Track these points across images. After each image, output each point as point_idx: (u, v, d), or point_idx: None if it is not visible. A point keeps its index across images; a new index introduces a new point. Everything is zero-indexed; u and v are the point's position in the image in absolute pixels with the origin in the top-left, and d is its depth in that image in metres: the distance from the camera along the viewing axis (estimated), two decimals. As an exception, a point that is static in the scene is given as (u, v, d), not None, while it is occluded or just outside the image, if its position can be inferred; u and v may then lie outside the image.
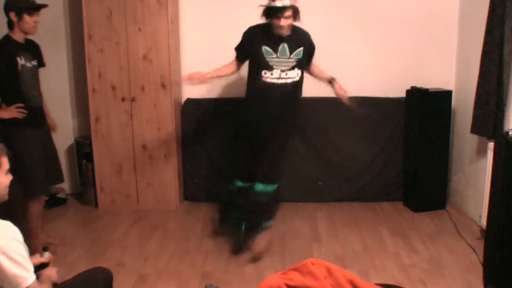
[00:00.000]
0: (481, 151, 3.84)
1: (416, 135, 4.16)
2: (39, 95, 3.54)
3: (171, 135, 4.26)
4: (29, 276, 1.80)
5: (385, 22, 4.43)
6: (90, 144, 4.33)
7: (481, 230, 3.65)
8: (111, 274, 2.26)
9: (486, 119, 3.52)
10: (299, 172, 4.48)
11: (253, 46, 3.35)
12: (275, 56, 3.32)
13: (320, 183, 4.50)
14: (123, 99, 4.19)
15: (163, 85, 4.16)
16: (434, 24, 4.41)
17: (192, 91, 4.55)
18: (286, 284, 2.03)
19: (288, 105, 3.43)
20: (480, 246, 3.35)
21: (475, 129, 3.68)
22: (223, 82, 4.50)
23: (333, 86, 3.57)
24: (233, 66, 3.52)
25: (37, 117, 3.47)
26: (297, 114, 3.62)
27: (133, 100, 4.19)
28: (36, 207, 3.52)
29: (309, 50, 3.51)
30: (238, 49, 3.47)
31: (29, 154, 3.37)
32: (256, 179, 3.46)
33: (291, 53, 3.35)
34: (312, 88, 4.50)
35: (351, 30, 4.46)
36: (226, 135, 4.41)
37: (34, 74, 3.46)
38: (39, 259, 2.07)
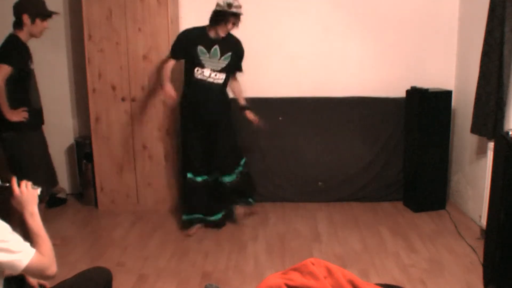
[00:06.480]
0: (481, 151, 3.84)
1: (416, 135, 4.16)
2: (39, 97, 3.60)
3: (171, 135, 4.26)
4: (23, 257, 1.72)
5: (385, 22, 4.43)
6: (90, 144, 4.33)
7: (481, 230, 3.65)
8: (111, 274, 2.25)
9: (486, 119, 3.52)
10: (299, 172, 4.48)
11: (189, 46, 3.62)
12: (208, 56, 3.62)
13: (320, 183, 4.50)
14: (123, 99, 4.19)
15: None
16: (434, 24, 4.41)
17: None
18: (286, 284, 2.03)
19: (218, 101, 3.77)
20: (480, 246, 3.35)
21: (475, 129, 3.68)
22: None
23: (245, 114, 3.89)
24: (173, 62, 3.73)
25: (36, 119, 3.54)
26: (227, 109, 3.89)
27: (133, 100, 4.19)
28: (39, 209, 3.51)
29: (238, 56, 3.78)
30: (176, 48, 3.70)
31: (30, 156, 3.40)
32: (216, 172, 3.85)
33: (221, 55, 3.65)
34: (311, 88, 4.52)
35: (351, 30, 4.46)
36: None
37: (35, 77, 3.54)
38: None
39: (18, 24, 3.33)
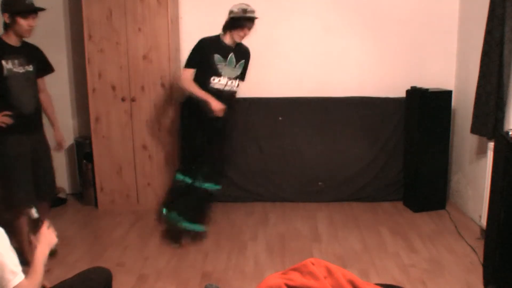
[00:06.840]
0: (481, 151, 3.84)
1: (416, 135, 4.16)
2: (32, 102, 3.26)
3: (171, 135, 4.25)
4: (13, 278, 1.74)
5: (385, 22, 4.43)
6: (90, 144, 4.33)
7: (481, 230, 3.65)
8: (111, 274, 2.26)
9: (486, 119, 3.52)
10: (299, 172, 4.48)
11: (206, 55, 3.56)
12: (225, 63, 3.58)
13: (320, 183, 4.50)
14: (123, 99, 4.19)
15: (163, 85, 4.17)
16: (434, 24, 4.41)
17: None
18: (286, 284, 2.03)
19: (230, 107, 3.67)
20: (480, 246, 3.35)
21: (475, 129, 3.68)
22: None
23: None
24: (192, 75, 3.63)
25: (26, 124, 3.18)
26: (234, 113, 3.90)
27: (133, 100, 4.19)
28: (23, 220, 3.20)
29: (247, 64, 3.78)
30: (193, 59, 3.58)
31: (12, 162, 3.13)
32: (205, 179, 3.66)
33: (237, 63, 3.65)
34: (311, 88, 4.52)
35: (351, 30, 4.46)
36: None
37: (27, 80, 3.21)
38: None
39: (4, 25, 3.11)
